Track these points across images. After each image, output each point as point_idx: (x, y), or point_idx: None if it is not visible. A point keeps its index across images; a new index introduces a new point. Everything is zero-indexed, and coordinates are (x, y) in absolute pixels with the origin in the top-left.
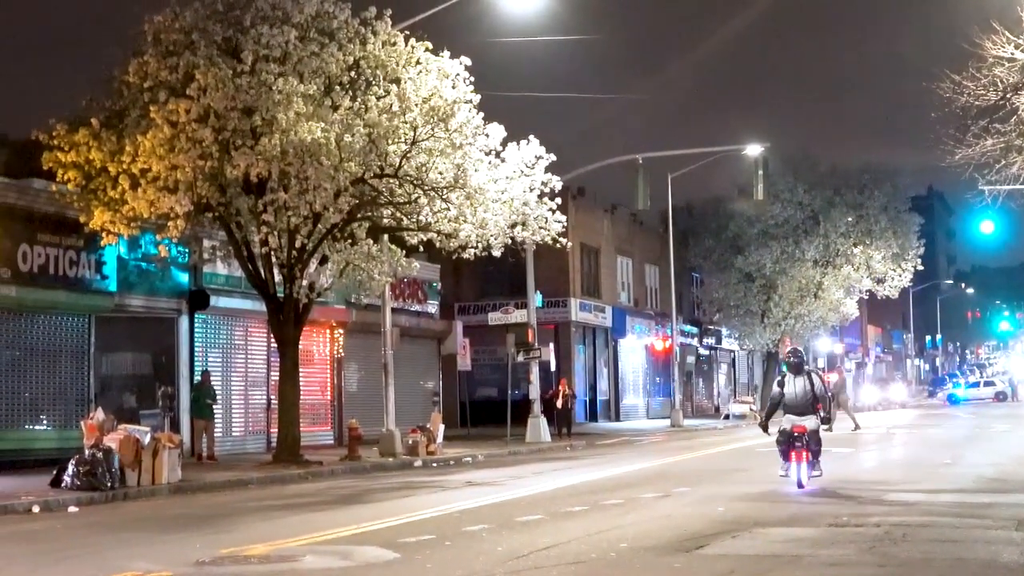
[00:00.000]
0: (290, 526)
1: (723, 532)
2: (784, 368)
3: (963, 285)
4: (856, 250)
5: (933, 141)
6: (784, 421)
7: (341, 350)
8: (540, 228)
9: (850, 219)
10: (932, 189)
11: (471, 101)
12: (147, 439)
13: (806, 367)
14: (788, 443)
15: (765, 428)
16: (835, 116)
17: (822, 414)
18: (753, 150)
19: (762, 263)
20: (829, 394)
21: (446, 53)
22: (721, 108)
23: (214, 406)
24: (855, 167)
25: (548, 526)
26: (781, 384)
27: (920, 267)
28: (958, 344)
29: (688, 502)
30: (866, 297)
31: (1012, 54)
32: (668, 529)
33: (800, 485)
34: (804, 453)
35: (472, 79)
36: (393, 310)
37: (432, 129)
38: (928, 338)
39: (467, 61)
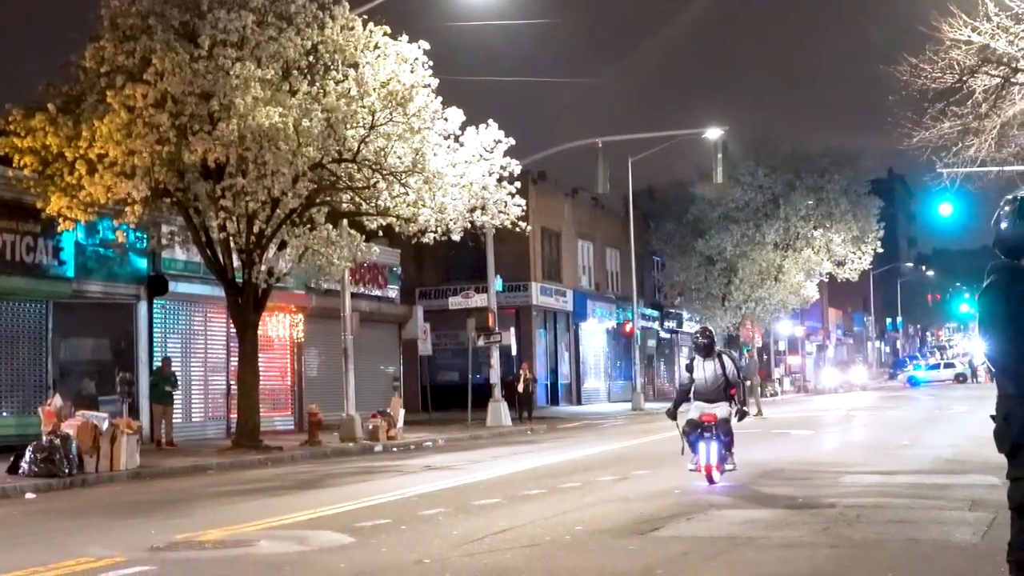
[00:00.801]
0: (247, 511)
1: (679, 514)
2: (693, 350)
3: (924, 268)
4: (816, 233)
5: (892, 124)
6: (692, 408)
7: (301, 335)
8: (499, 212)
9: (810, 202)
10: (892, 172)
11: (429, 85)
12: (105, 425)
13: (717, 348)
14: (696, 433)
15: (673, 416)
16: (795, 101)
17: (736, 403)
18: (713, 133)
19: (723, 246)
20: (743, 378)
21: (404, 37)
22: (682, 93)
23: (174, 392)
24: (816, 151)
25: (505, 510)
26: (690, 368)
27: (880, 250)
28: (919, 326)
29: (645, 485)
30: (827, 280)
31: (969, 37)
32: (624, 512)
33: (711, 480)
34: (713, 445)
35: (431, 63)
36: (353, 295)
37: (390, 113)
38: (889, 320)
39: (425, 45)
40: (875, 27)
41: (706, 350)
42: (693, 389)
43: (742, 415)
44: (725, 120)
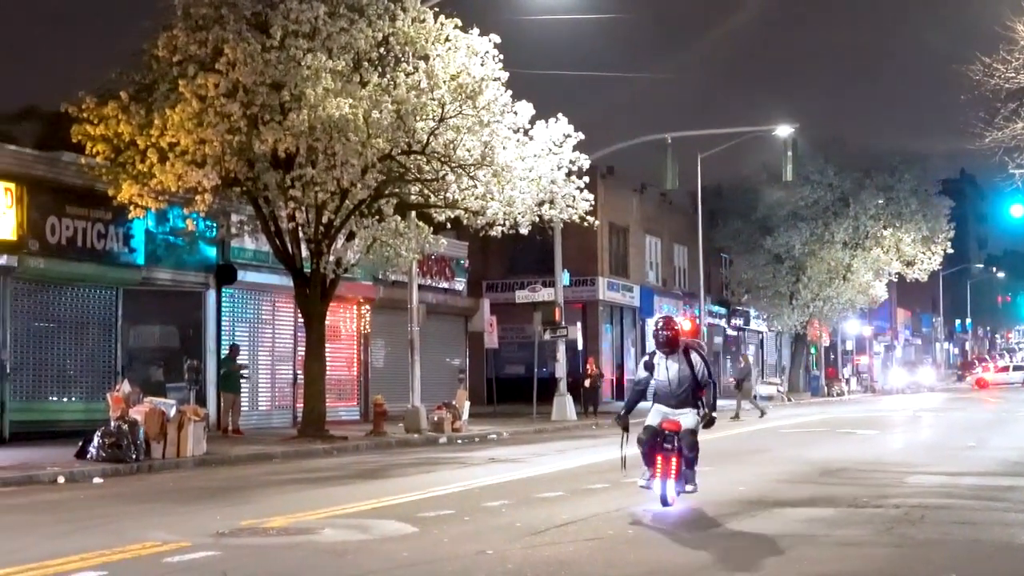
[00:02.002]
0: (311, 500)
1: (741, 511)
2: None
3: (994, 269)
4: (886, 232)
5: (964, 124)
6: (651, 414)
7: (368, 326)
8: (568, 206)
9: (880, 201)
10: (964, 172)
11: (499, 79)
12: (172, 412)
13: (684, 342)
14: (653, 444)
15: (624, 424)
16: (865, 99)
17: (703, 410)
18: (783, 131)
19: (791, 244)
20: (714, 380)
21: (475, 30)
22: (751, 89)
23: (241, 380)
24: (886, 150)
25: (567, 503)
26: (649, 366)
27: (950, 250)
28: (988, 328)
29: (708, 481)
30: (895, 280)
31: None
32: (686, 507)
33: (665, 502)
34: (673, 459)
35: (501, 56)
36: (420, 287)
37: (460, 106)
38: (958, 322)
39: (496, 39)
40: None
41: (669, 345)
42: (653, 391)
43: (710, 422)
44: (793, 117)
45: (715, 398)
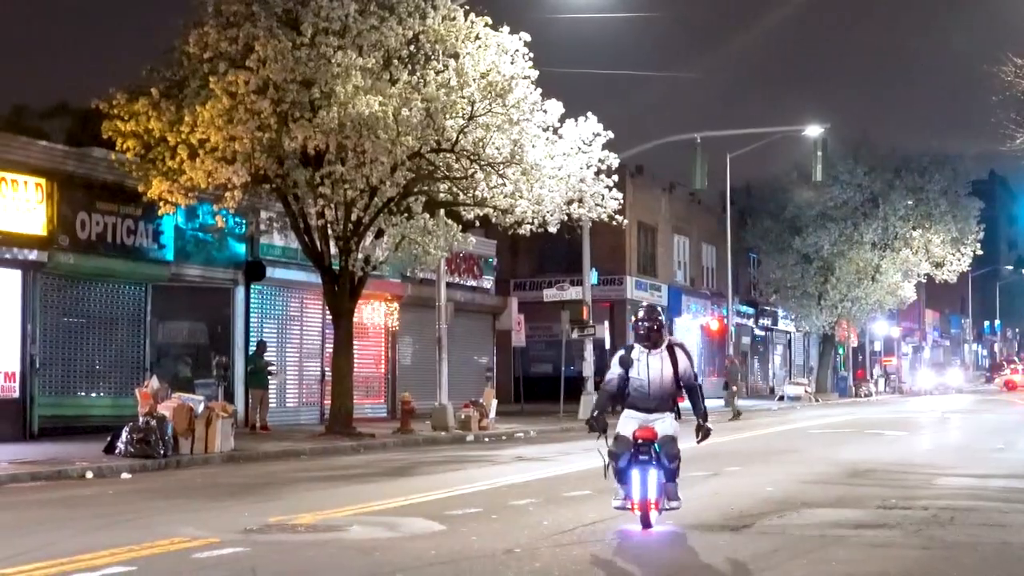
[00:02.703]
0: (339, 497)
1: (770, 511)
2: (632, 340)
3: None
4: (915, 233)
5: (995, 125)
6: (622, 421)
7: (396, 323)
8: (596, 205)
9: (909, 202)
10: (994, 174)
11: (529, 77)
12: (200, 408)
13: (669, 339)
14: (628, 455)
15: (596, 427)
16: (895, 100)
17: (699, 416)
18: (813, 131)
19: (820, 245)
20: (700, 382)
21: (505, 28)
22: (781, 89)
23: (271, 377)
24: (916, 150)
25: (594, 502)
26: (625, 362)
27: (980, 252)
28: (1017, 330)
29: (737, 481)
30: (924, 281)
31: None
32: (715, 507)
33: (646, 523)
34: (652, 473)
35: (531, 55)
36: (448, 285)
37: (490, 104)
38: (987, 323)
39: (526, 37)
40: (974, 28)
41: (652, 339)
42: (628, 392)
43: (705, 434)
44: (823, 117)
45: (703, 405)
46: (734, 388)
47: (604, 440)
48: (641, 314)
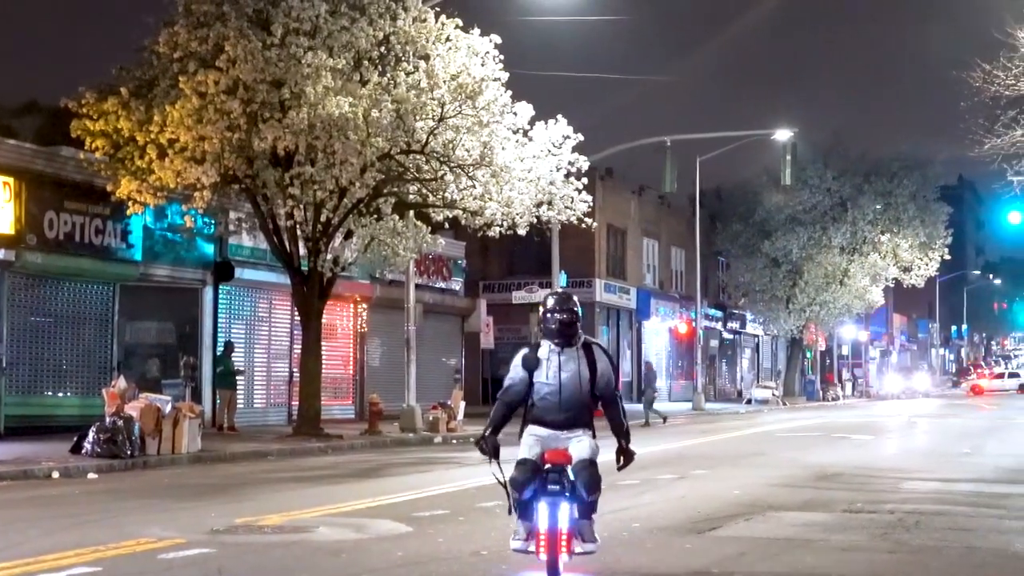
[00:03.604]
0: (306, 498)
1: (737, 515)
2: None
3: (991, 276)
4: (883, 238)
5: (963, 131)
6: (526, 440)
7: (364, 325)
8: (566, 208)
9: (878, 207)
10: (962, 179)
11: (500, 79)
12: (168, 408)
13: (584, 337)
14: (535, 484)
15: (492, 450)
16: (865, 105)
17: (622, 436)
18: (782, 135)
19: (789, 248)
20: (621, 395)
21: (476, 31)
22: (750, 93)
23: (237, 377)
24: (885, 155)
25: None
26: (530, 363)
27: (948, 256)
28: (984, 335)
29: (704, 484)
30: (892, 285)
31: None
32: (682, 511)
33: (553, 570)
34: (564, 507)
35: (502, 57)
36: (417, 286)
37: (460, 106)
38: (954, 328)
39: (497, 39)
40: (944, 33)
41: (566, 335)
42: (532, 402)
43: (628, 458)
44: (794, 122)
45: (623, 416)
46: (653, 394)
47: (498, 466)
48: (551, 303)
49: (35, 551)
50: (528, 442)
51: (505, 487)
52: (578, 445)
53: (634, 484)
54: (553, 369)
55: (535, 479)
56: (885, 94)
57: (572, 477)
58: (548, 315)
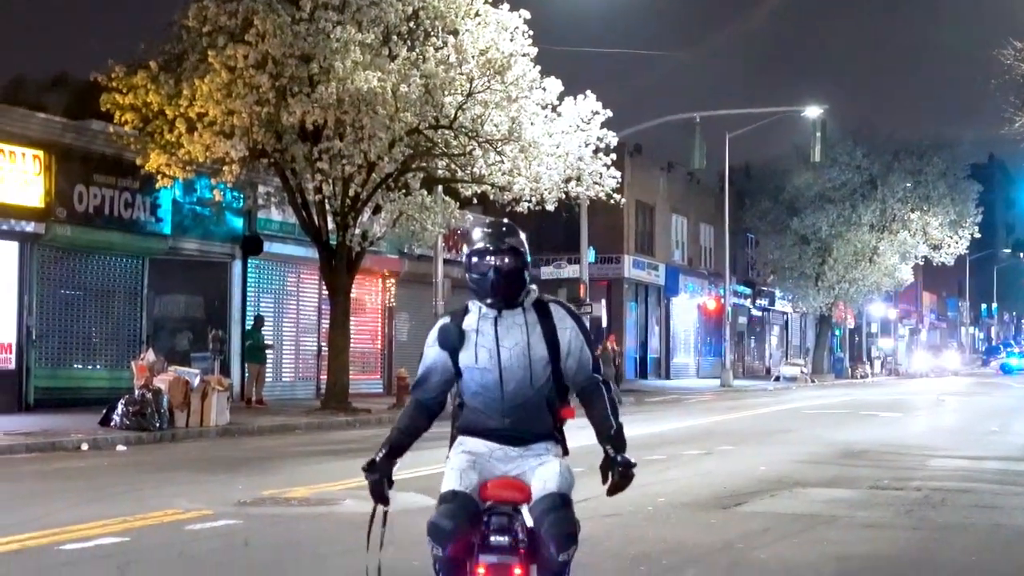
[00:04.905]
0: (333, 471)
1: (762, 491)
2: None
3: (1021, 254)
4: (913, 216)
5: (994, 109)
6: (453, 463)
7: (392, 299)
8: (595, 184)
9: (908, 184)
10: (993, 157)
11: (528, 54)
12: (196, 381)
13: (534, 292)
14: (466, 538)
15: (374, 487)
16: (896, 85)
17: (610, 449)
18: (812, 112)
19: (818, 226)
20: (607, 377)
21: (505, 6)
22: (781, 71)
23: (267, 351)
24: (915, 133)
25: (587, 479)
26: (452, 338)
27: (978, 235)
28: (1014, 314)
29: (730, 460)
30: (922, 263)
31: None
32: (708, 486)
33: None
34: (518, 573)
35: (530, 32)
36: (445, 261)
37: (488, 81)
38: (984, 307)
39: (526, 14)
40: (975, 12)
41: (505, 291)
42: (462, 400)
43: (623, 475)
44: (823, 99)
45: (618, 421)
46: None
47: (381, 513)
48: (477, 235)
49: (64, 521)
50: (458, 464)
51: (375, 532)
52: (541, 471)
53: (660, 460)
54: (487, 346)
55: (469, 527)
56: (915, 73)
57: (531, 523)
58: (475, 259)
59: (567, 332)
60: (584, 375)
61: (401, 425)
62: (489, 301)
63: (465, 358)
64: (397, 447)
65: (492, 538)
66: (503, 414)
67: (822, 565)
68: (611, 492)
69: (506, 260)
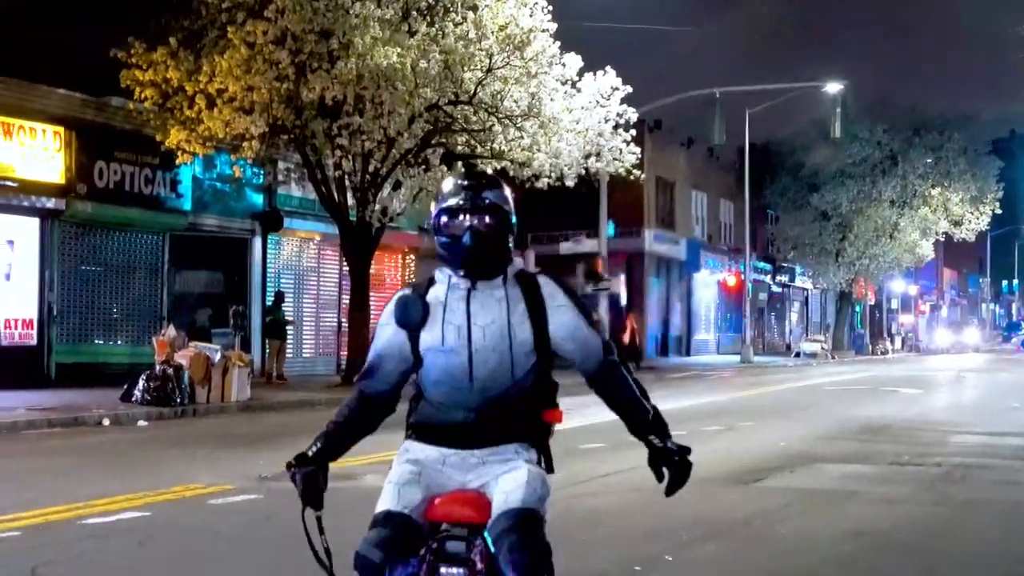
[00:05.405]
0: (355, 446)
1: (782, 466)
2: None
3: None
4: (934, 191)
5: (1015, 85)
6: (398, 473)
7: (412, 275)
8: (614, 159)
9: (929, 160)
10: (1015, 133)
11: (548, 30)
12: (217, 357)
13: (518, 264)
14: (415, 562)
15: (305, 492)
16: (917, 60)
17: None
18: (832, 87)
19: (838, 202)
20: (613, 354)
21: None
22: (800, 46)
23: (287, 327)
24: (935, 110)
25: (609, 454)
26: (412, 314)
27: (999, 210)
28: None
29: (750, 436)
30: (942, 239)
31: None
32: (727, 462)
33: None
34: None
35: (550, 8)
36: None
37: (508, 57)
38: (1004, 283)
39: None
40: None
41: (479, 258)
42: (419, 390)
43: (680, 468)
44: (844, 75)
45: (652, 404)
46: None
47: (316, 525)
48: (449, 187)
49: (86, 496)
50: (397, 477)
51: (323, 564)
52: (504, 481)
53: (681, 436)
54: (456, 323)
55: (409, 555)
56: (937, 49)
57: (491, 548)
58: (445, 218)
59: (559, 311)
60: (593, 360)
61: (342, 416)
62: (461, 272)
63: (428, 338)
64: (331, 446)
65: (442, 570)
66: (471, 408)
67: (842, 540)
68: (671, 491)
69: (486, 220)
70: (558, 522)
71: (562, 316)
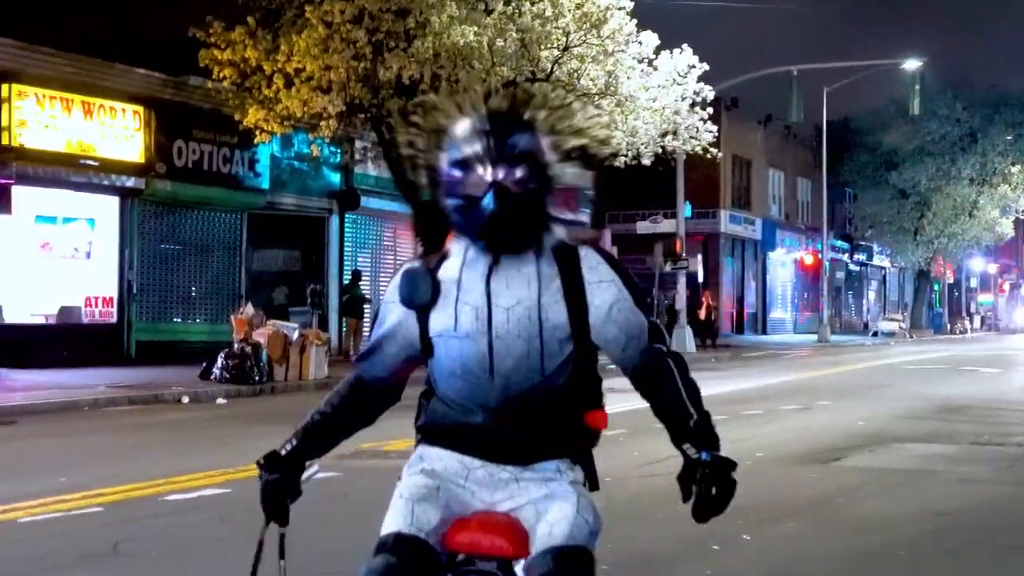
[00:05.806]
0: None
1: (861, 446)
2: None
3: None
4: (1014, 169)
5: None
6: (409, 485)
7: None
8: (691, 138)
9: (1009, 138)
10: None
11: (624, 8)
12: (295, 335)
13: (557, 235)
14: None
15: (267, 506)
16: (997, 36)
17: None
18: (910, 64)
19: (917, 180)
20: (670, 342)
21: None
22: (879, 22)
23: (364, 305)
24: (1016, 87)
25: (660, 437)
26: (420, 291)
27: None
28: None
29: (828, 415)
30: (1023, 217)
31: None
32: (805, 441)
33: None
34: None
35: None
36: None
37: (584, 35)
38: None
39: None
40: None
41: (504, 227)
42: (430, 384)
43: (723, 486)
44: (923, 51)
45: (701, 405)
46: None
47: (278, 545)
48: (465, 129)
49: (166, 472)
50: (410, 491)
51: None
52: (551, 508)
53: (757, 414)
54: (473, 303)
55: None
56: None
57: None
58: (458, 172)
59: (600, 288)
60: (636, 348)
61: (331, 405)
62: (482, 237)
63: (439, 321)
64: (310, 442)
65: None
66: (491, 409)
67: (921, 520)
68: (699, 514)
69: (516, 174)
70: (632, 501)
71: (604, 293)
